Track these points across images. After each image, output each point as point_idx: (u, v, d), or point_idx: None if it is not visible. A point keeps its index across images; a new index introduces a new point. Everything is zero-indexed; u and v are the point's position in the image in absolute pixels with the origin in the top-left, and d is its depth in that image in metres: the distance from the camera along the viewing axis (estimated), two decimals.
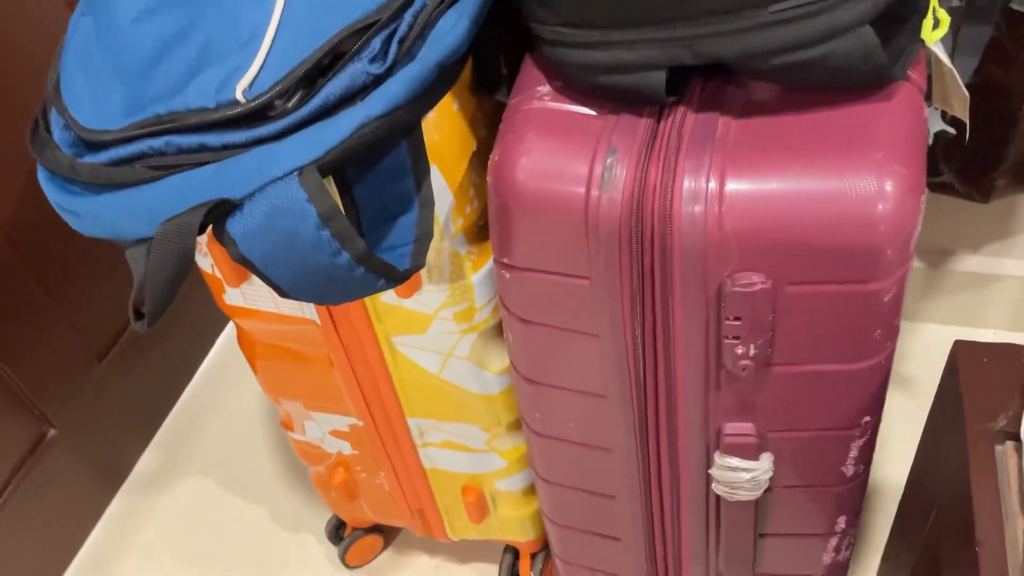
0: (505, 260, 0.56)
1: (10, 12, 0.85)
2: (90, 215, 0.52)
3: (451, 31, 0.50)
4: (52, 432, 1.02)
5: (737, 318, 0.49)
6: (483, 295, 0.64)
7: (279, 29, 0.51)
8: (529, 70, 0.56)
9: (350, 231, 0.47)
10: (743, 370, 0.51)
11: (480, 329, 0.67)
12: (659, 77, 0.47)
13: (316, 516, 1.04)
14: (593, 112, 0.52)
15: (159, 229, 0.47)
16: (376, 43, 0.49)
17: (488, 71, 0.58)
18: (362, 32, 0.49)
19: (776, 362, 0.52)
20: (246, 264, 0.48)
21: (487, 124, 0.61)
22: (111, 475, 1.12)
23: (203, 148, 0.50)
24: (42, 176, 0.54)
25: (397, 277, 0.50)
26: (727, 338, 0.50)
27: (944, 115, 0.68)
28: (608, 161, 0.49)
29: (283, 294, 0.50)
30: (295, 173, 0.47)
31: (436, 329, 0.67)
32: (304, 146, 0.47)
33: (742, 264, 0.48)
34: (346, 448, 0.83)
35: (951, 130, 0.68)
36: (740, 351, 0.50)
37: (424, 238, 0.53)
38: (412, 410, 0.76)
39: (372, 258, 0.48)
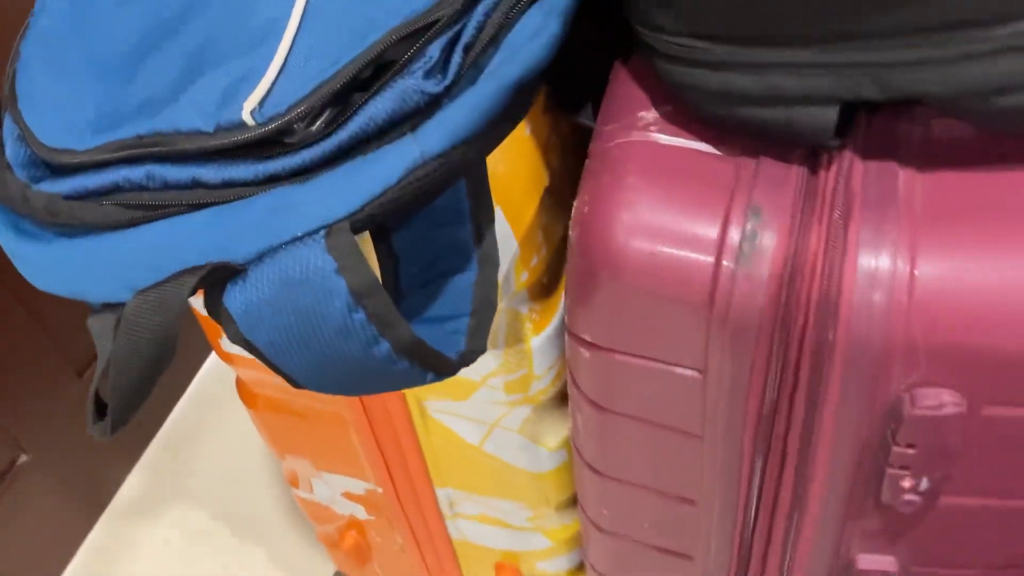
0: (584, 336, 0.43)
1: None
2: (46, 265, 0.39)
3: (536, 36, 0.37)
4: (24, 458, 0.91)
5: (911, 445, 0.36)
6: (544, 362, 0.51)
7: (303, 24, 0.38)
8: (625, 87, 0.43)
9: (392, 314, 0.34)
10: (906, 506, 0.38)
11: (537, 400, 0.54)
12: (829, 114, 0.34)
13: (320, 561, 0.92)
14: (719, 152, 0.39)
15: (131, 303, 0.34)
16: (434, 51, 0.36)
17: (571, 85, 0.45)
18: (416, 36, 0.36)
19: (947, 492, 0.39)
20: (249, 349, 0.35)
21: (561, 150, 0.48)
22: (91, 502, 1.01)
23: (196, 184, 0.37)
24: None
25: (450, 370, 0.37)
26: (891, 467, 0.37)
27: None
28: (749, 225, 0.36)
29: (297, 385, 0.37)
30: (321, 232, 0.33)
31: (481, 397, 0.54)
32: (335, 194, 0.34)
33: (929, 376, 0.35)
34: (360, 512, 0.70)
35: None
36: (907, 484, 0.38)
37: (485, 310, 0.40)
38: (443, 480, 0.63)
39: (420, 348, 0.35)
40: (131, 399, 0.35)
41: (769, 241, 0.35)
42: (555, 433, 0.57)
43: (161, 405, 1.08)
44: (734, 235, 0.36)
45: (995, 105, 0.32)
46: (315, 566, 0.92)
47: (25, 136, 0.41)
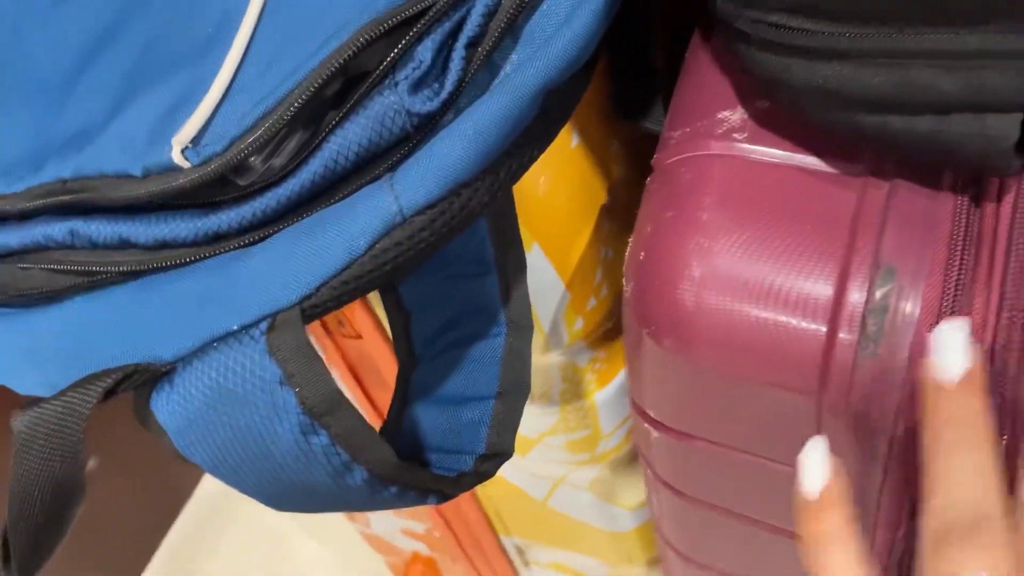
0: (650, 413, 0.32)
1: None
2: None
3: (568, 22, 0.27)
4: (93, 461, 0.87)
5: None
6: (613, 419, 0.41)
7: (261, 22, 0.28)
8: (702, 81, 0.31)
9: (365, 433, 0.25)
10: None
11: (607, 459, 0.44)
12: (1008, 127, 0.22)
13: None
14: (834, 170, 0.27)
15: (21, 420, 0.26)
16: (424, 52, 0.26)
17: (634, 79, 0.34)
18: (401, 30, 0.26)
19: None
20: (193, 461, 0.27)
21: (626, 159, 0.37)
22: (166, 504, 0.98)
23: (126, 244, 0.28)
24: None
25: (458, 490, 0.28)
26: None
27: None
28: (879, 290, 0.24)
29: (265, 503, 0.28)
30: (263, 324, 0.24)
31: (540, 456, 0.44)
32: (282, 267, 0.25)
33: None
34: (423, 549, 0.62)
35: None
36: None
37: (515, 394, 0.31)
38: (508, 530, 0.54)
39: (410, 473, 0.26)
40: (34, 549, 0.27)
41: (909, 312, 0.24)
42: (635, 492, 0.47)
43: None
44: (856, 297, 0.24)
45: None
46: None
47: None
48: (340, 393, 0.24)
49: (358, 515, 0.63)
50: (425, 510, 0.55)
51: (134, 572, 0.93)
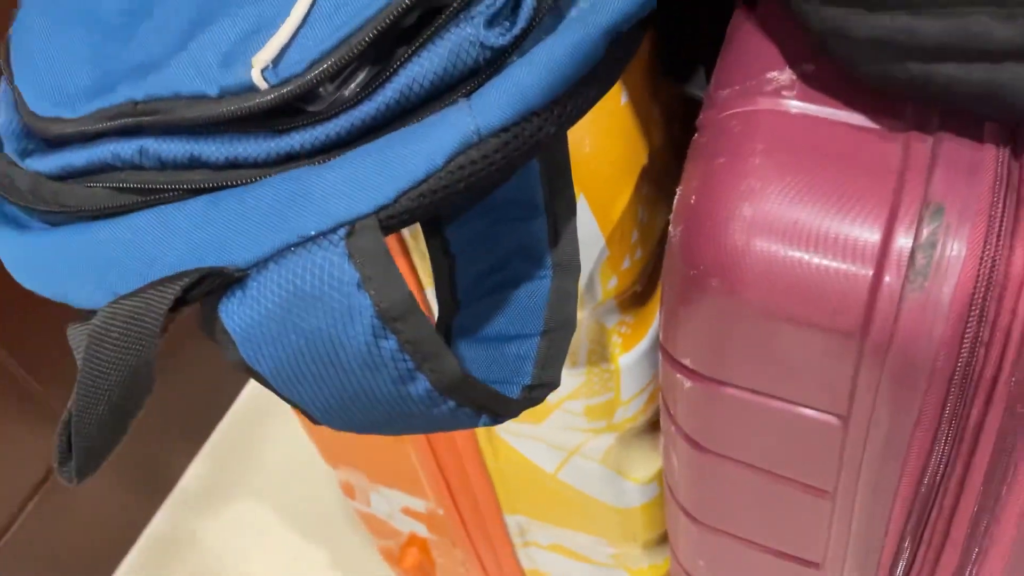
0: (685, 361, 0.33)
1: None
2: (27, 258, 0.32)
3: None
4: None
5: None
6: (633, 385, 0.42)
7: None
8: (749, 39, 0.33)
9: (433, 342, 0.25)
10: None
11: (623, 428, 0.45)
12: None
13: (384, 571, 0.86)
14: (883, 127, 0.29)
15: (99, 316, 0.26)
16: None
17: (679, 43, 0.35)
18: None
19: None
20: (251, 375, 0.28)
21: (665, 126, 0.38)
22: (153, 488, 0.97)
23: (196, 163, 0.29)
24: None
25: (510, 412, 0.29)
26: None
27: None
28: (927, 228, 0.26)
29: (314, 422, 0.29)
30: (341, 231, 0.25)
31: (557, 421, 0.45)
32: (362, 179, 0.26)
33: None
34: (421, 530, 0.63)
35: None
36: None
37: (561, 330, 0.32)
38: (512, 506, 0.55)
39: (469, 386, 0.27)
40: (99, 443, 0.27)
41: (955, 251, 0.25)
42: (645, 465, 0.48)
43: (225, 393, 1.04)
44: (903, 240, 0.26)
45: None
46: (378, 568, 0.86)
47: (16, 102, 0.34)
48: (414, 300, 0.25)
49: (357, 491, 0.63)
50: (431, 484, 0.55)
51: (114, 561, 0.92)
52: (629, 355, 0.41)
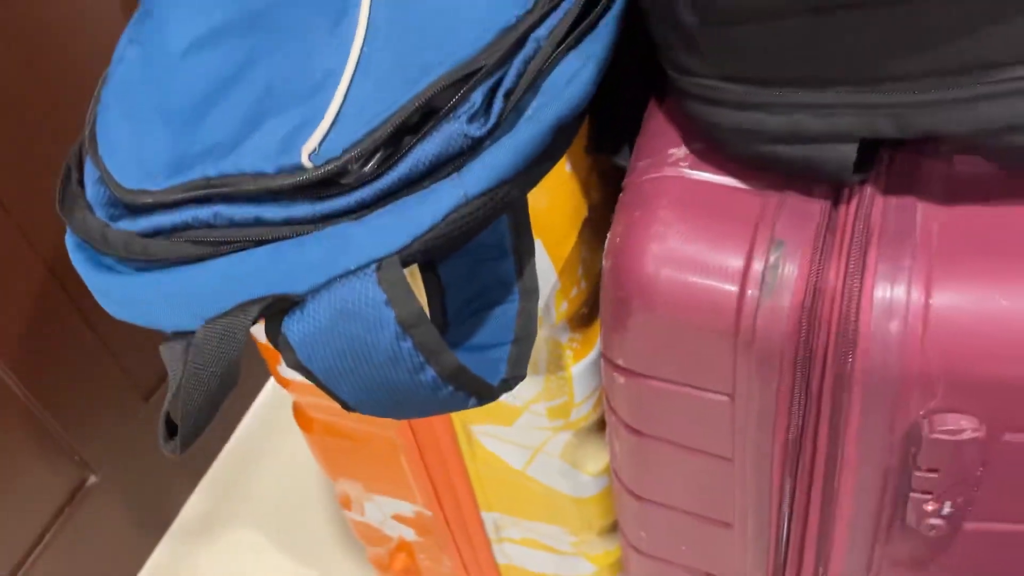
0: (619, 362, 0.45)
1: (66, 17, 0.77)
2: (123, 297, 0.43)
3: (572, 80, 0.40)
4: (92, 479, 0.95)
5: (933, 470, 0.38)
6: (584, 389, 0.54)
7: (356, 74, 0.41)
8: (658, 126, 0.45)
9: (437, 342, 0.37)
10: (931, 530, 0.39)
11: (577, 427, 0.56)
12: (848, 152, 0.36)
13: None
14: (747, 186, 0.41)
15: (200, 331, 0.37)
16: (477, 97, 0.39)
17: (609, 126, 0.47)
18: (461, 83, 0.39)
19: (971, 518, 0.40)
20: (305, 374, 0.38)
21: (601, 186, 0.50)
22: (155, 522, 1.05)
23: (259, 223, 0.40)
24: (71, 244, 0.45)
25: (492, 395, 0.40)
26: (915, 492, 0.39)
27: None
28: (772, 256, 0.38)
29: (348, 408, 0.40)
30: (372, 267, 0.36)
31: (525, 423, 0.56)
32: (385, 231, 0.37)
33: (947, 403, 0.36)
34: (409, 534, 0.73)
35: None
36: (930, 508, 0.39)
37: (525, 339, 0.43)
38: (488, 504, 0.65)
39: (463, 375, 0.38)
40: (199, 419, 0.38)
41: (791, 272, 0.37)
42: (596, 459, 0.59)
43: (223, 428, 1.12)
44: (758, 266, 0.38)
45: (1011, 143, 0.34)
46: None
47: (104, 179, 0.45)
48: (424, 313, 0.36)
49: (353, 502, 0.73)
50: (420, 488, 0.65)
51: None
52: (579, 365, 0.52)
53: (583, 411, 0.55)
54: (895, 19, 0.32)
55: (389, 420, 0.61)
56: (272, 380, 1.16)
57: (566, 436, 0.56)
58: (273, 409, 1.14)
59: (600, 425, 0.57)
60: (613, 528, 0.65)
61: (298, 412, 0.67)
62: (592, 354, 0.53)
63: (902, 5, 0.31)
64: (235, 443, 1.11)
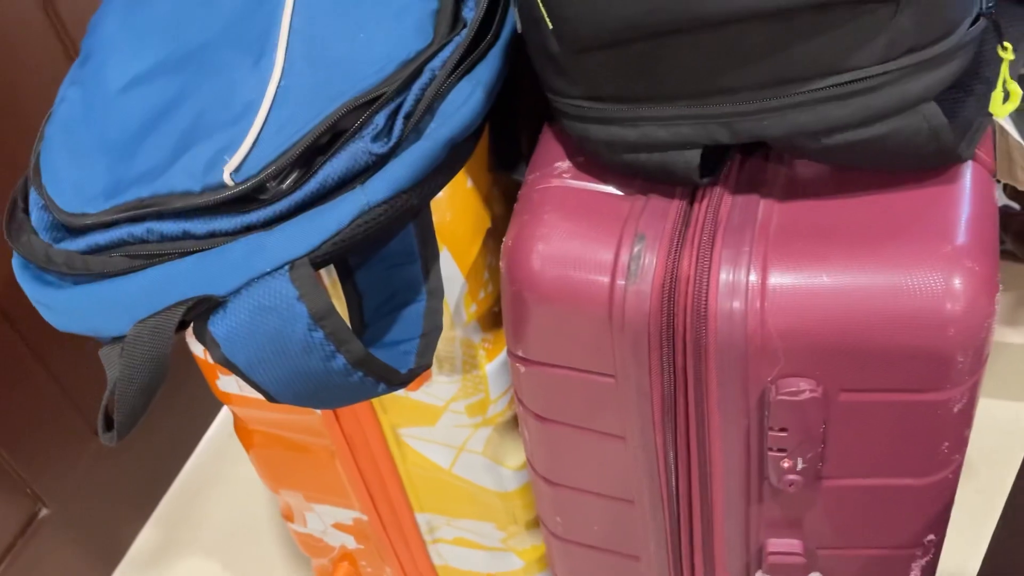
0: (519, 353, 0.50)
1: (10, 65, 0.82)
2: (65, 309, 0.47)
3: (464, 103, 0.46)
4: (44, 511, 0.97)
5: (783, 429, 0.43)
6: (498, 386, 0.59)
7: (275, 102, 0.47)
8: (547, 144, 0.51)
9: (345, 332, 0.42)
10: (790, 485, 0.45)
11: (495, 422, 0.61)
12: (693, 156, 0.42)
13: None
14: (619, 192, 0.47)
15: (131, 331, 0.42)
16: (380, 119, 0.45)
17: (506, 147, 0.53)
18: (365, 107, 0.45)
19: (828, 475, 0.46)
20: (230, 367, 0.43)
21: (503, 200, 0.56)
22: (107, 554, 1.07)
23: (187, 236, 0.45)
24: (16, 264, 0.50)
25: (400, 381, 0.45)
26: (771, 450, 0.44)
27: (1006, 188, 0.62)
28: (636, 248, 0.43)
29: (271, 399, 0.45)
30: (285, 268, 0.41)
31: (447, 422, 0.61)
32: (297, 236, 0.42)
33: (788, 368, 0.42)
34: (350, 542, 0.77)
35: (1015, 205, 0.62)
36: (786, 465, 0.44)
37: (432, 332, 0.48)
38: (421, 505, 0.70)
39: (371, 361, 0.43)
40: (133, 411, 0.42)
41: (651, 261, 0.43)
42: (516, 454, 0.64)
43: (174, 460, 1.15)
44: (624, 257, 0.43)
45: (823, 143, 0.40)
46: None
47: (47, 205, 0.50)
48: (332, 305, 0.41)
49: (295, 513, 0.77)
50: (356, 493, 0.70)
51: None
52: (493, 363, 0.57)
53: (499, 407, 0.60)
54: (716, 43, 0.38)
55: (323, 428, 0.65)
56: (220, 414, 1.19)
57: (486, 432, 0.61)
58: (223, 441, 1.17)
59: (517, 422, 0.62)
60: (538, 522, 0.69)
61: (239, 426, 0.71)
62: (504, 353, 0.58)
63: (719, 30, 0.38)
64: (186, 474, 1.14)
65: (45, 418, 0.95)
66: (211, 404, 1.18)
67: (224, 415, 1.19)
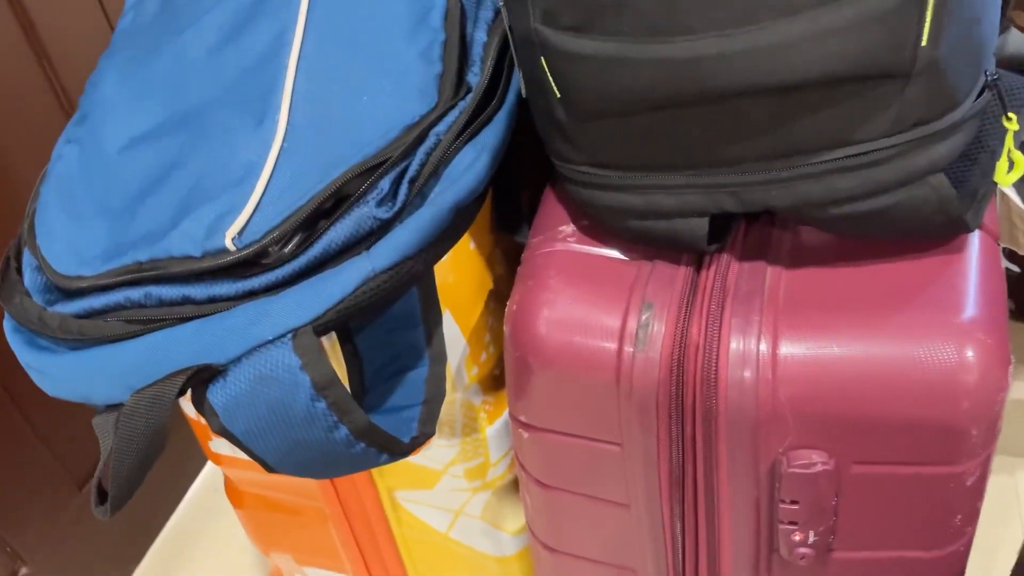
0: (522, 418, 0.49)
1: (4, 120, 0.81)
2: (58, 375, 0.46)
3: (469, 168, 0.45)
4: (24, 570, 0.95)
5: (794, 501, 0.42)
6: (499, 449, 0.58)
7: (277, 165, 0.46)
8: (551, 207, 0.51)
9: (349, 402, 0.41)
10: (801, 559, 0.44)
11: (495, 486, 0.60)
12: (701, 224, 0.42)
13: None
14: (624, 257, 0.46)
15: (129, 401, 0.41)
16: (385, 184, 0.44)
17: (509, 208, 0.53)
18: (370, 172, 0.44)
19: (838, 548, 0.45)
20: (228, 437, 0.42)
21: (505, 260, 0.56)
22: None
23: (186, 301, 0.44)
24: (8, 327, 0.48)
25: (402, 451, 0.44)
26: (782, 523, 0.43)
27: (1004, 250, 0.62)
28: (644, 316, 0.43)
29: (269, 469, 0.43)
30: (288, 336, 0.41)
31: (445, 486, 0.60)
32: (300, 303, 0.42)
33: (800, 440, 0.41)
34: None
35: (1015, 268, 0.63)
36: (797, 538, 0.43)
37: (435, 399, 0.47)
38: (416, 570, 0.68)
39: (374, 432, 0.42)
40: (129, 483, 0.41)
41: (659, 329, 0.43)
42: (515, 518, 0.62)
43: (157, 516, 1.12)
44: (632, 324, 0.43)
45: (830, 213, 0.40)
46: None
47: (42, 266, 0.49)
48: (336, 376, 0.40)
49: (285, 575, 0.75)
50: (350, 557, 0.68)
51: None
52: (493, 426, 0.56)
53: (499, 470, 0.59)
54: (723, 115, 0.38)
55: (317, 490, 0.64)
56: (206, 468, 1.17)
57: (485, 496, 0.60)
58: (208, 495, 1.15)
59: (517, 485, 0.61)
60: None
61: (229, 487, 0.69)
62: (505, 415, 0.57)
63: (727, 103, 0.38)
64: (170, 530, 1.11)
65: (26, 473, 0.93)
66: (197, 457, 1.16)
67: (210, 468, 1.17)
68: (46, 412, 0.94)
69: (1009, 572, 0.85)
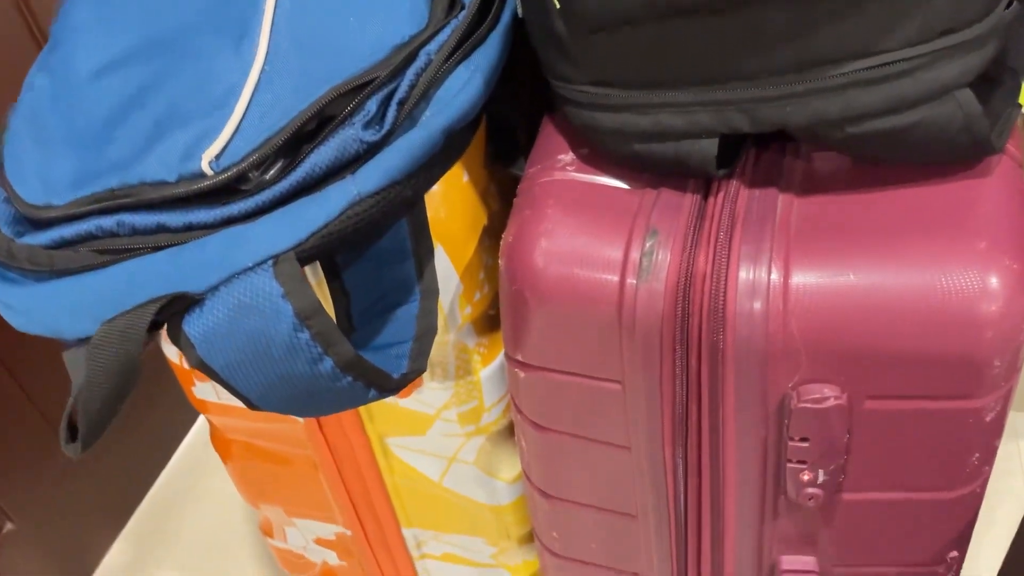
0: (518, 357, 0.47)
1: None
2: (26, 308, 0.44)
3: (461, 91, 0.42)
4: (9, 526, 0.93)
5: (804, 439, 0.40)
6: (493, 393, 0.55)
7: (258, 87, 0.43)
8: (548, 135, 0.48)
9: (334, 333, 0.38)
10: (809, 499, 0.42)
11: (488, 432, 0.58)
12: (710, 146, 0.39)
13: None
14: (627, 185, 0.44)
15: (98, 332, 0.38)
16: (371, 105, 0.41)
17: (504, 139, 0.50)
18: (356, 92, 0.41)
19: (849, 489, 0.43)
20: (206, 371, 0.40)
21: (501, 196, 0.53)
22: (75, 571, 1.03)
23: (161, 229, 0.42)
24: None
25: (392, 387, 0.41)
26: (790, 462, 0.41)
27: None
28: (648, 244, 0.40)
29: (252, 406, 0.41)
30: (269, 263, 0.38)
31: (437, 431, 0.58)
32: (282, 229, 0.39)
33: (811, 374, 0.39)
34: (332, 558, 0.73)
35: None
36: (806, 478, 0.41)
37: (426, 335, 0.45)
38: (408, 519, 0.66)
39: (361, 365, 0.39)
40: (99, 419, 0.39)
41: (664, 257, 0.40)
42: (510, 465, 0.60)
43: (146, 473, 1.11)
44: (635, 254, 0.41)
45: (847, 132, 0.38)
46: None
47: (10, 197, 0.46)
48: (320, 304, 0.38)
49: (275, 528, 0.73)
50: (340, 506, 0.66)
51: None
52: (488, 368, 0.54)
53: (494, 415, 0.57)
54: (730, 25, 0.35)
55: (306, 438, 0.61)
56: (196, 424, 1.15)
57: (479, 442, 0.58)
58: (198, 452, 1.13)
59: (512, 431, 0.59)
60: (531, 537, 0.66)
61: (216, 437, 0.67)
62: (500, 358, 0.54)
63: (741, 9, 0.35)
64: (160, 487, 1.10)
65: (12, 430, 0.91)
66: (186, 413, 1.14)
67: (200, 425, 1.15)
68: (32, 368, 0.91)
69: (1012, 526, 0.84)
